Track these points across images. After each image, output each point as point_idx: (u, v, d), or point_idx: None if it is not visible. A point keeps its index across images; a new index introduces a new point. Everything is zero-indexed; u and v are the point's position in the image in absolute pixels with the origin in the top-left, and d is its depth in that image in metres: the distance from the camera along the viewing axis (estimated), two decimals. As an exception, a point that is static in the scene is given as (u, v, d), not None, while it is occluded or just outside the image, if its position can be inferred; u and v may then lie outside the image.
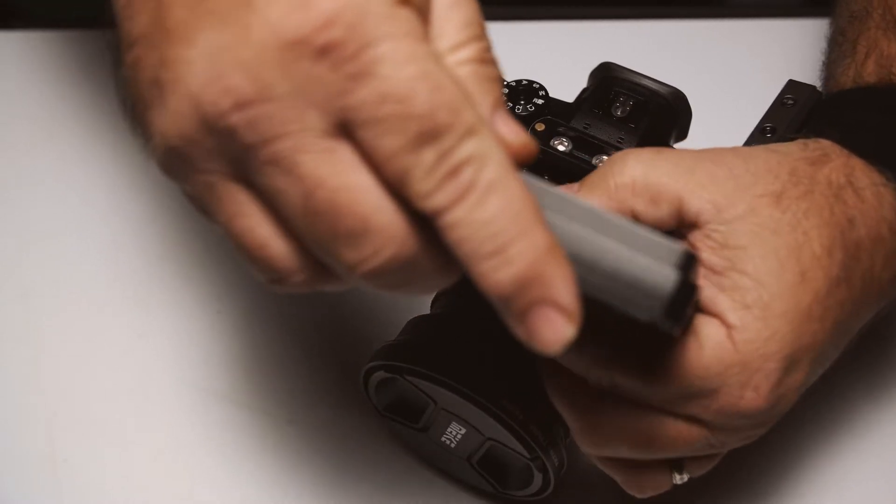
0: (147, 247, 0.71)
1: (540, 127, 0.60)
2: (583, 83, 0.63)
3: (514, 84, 0.62)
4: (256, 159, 0.41)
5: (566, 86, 0.64)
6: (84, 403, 0.66)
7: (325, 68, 0.40)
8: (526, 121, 0.60)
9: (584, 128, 0.60)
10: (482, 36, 0.44)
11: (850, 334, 0.55)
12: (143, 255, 0.71)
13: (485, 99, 0.43)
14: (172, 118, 0.42)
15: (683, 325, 0.49)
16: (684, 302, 0.44)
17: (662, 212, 0.52)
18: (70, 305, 0.69)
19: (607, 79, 0.62)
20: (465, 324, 0.59)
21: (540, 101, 0.61)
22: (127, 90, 0.44)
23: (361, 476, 0.63)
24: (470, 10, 0.44)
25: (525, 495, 0.61)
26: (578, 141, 0.59)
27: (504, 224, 0.40)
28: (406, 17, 0.41)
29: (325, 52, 0.40)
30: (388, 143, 0.40)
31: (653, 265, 0.43)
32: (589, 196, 0.53)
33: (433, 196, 0.40)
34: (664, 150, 0.53)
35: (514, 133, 0.43)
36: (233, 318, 0.69)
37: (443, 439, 0.61)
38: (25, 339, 0.68)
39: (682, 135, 0.63)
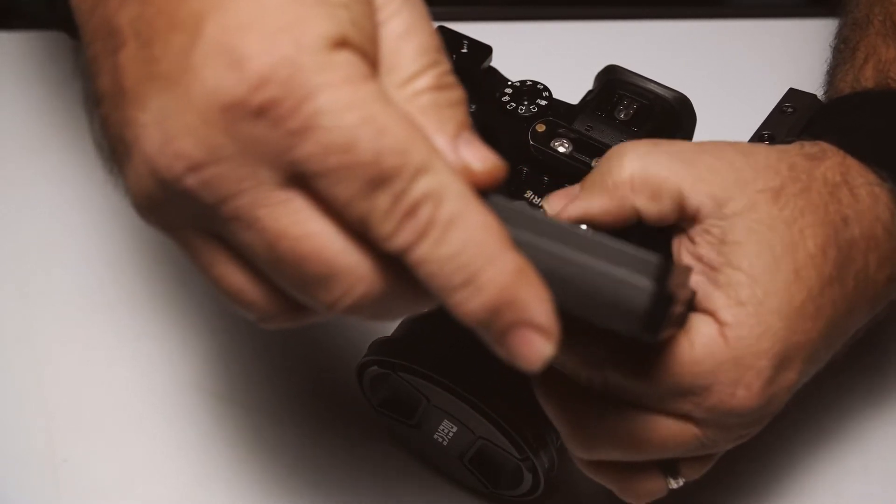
0: (145, 246, 0.71)
1: (541, 128, 0.59)
2: (589, 85, 0.63)
3: (518, 84, 0.62)
4: (218, 217, 0.42)
5: (573, 87, 0.64)
6: (83, 404, 0.66)
7: (266, 127, 0.40)
8: (528, 121, 0.60)
9: (587, 130, 0.60)
10: (440, 60, 0.43)
11: (844, 336, 0.54)
12: (141, 255, 0.71)
13: (445, 126, 0.42)
14: (136, 179, 0.42)
15: (664, 334, 0.48)
16: (662, 313, 0.44)
17: (664, 206, 0.52)
18: (69, 306, 0.69)
19: (612, 81, 0.62)
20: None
21: (543, 102, 0.61)
22: (102, 141, 0.44)
23: (357, 472, 0.63)
24: (423, 37, 0.43)
25: (516, 495, 0.60)
26: (579, 143, 0.59)
27: (469, 255, 0.40)
28: (344, 61, 0.40)
29: (262, 111, 0.40)
30: (341, 191, 0.40)
31: (627, 278, 0.43)
32: (589, 197, 0.53)
33: (395, 237, 0.40)
34: (661, 142, 0.53)
35: (479, 157, 0.42)
36: (230, 318, 0.69)
37: (435, 437, 0.61)
38: (25, 339, 0.68)
39: (686, 140, 0.63)
